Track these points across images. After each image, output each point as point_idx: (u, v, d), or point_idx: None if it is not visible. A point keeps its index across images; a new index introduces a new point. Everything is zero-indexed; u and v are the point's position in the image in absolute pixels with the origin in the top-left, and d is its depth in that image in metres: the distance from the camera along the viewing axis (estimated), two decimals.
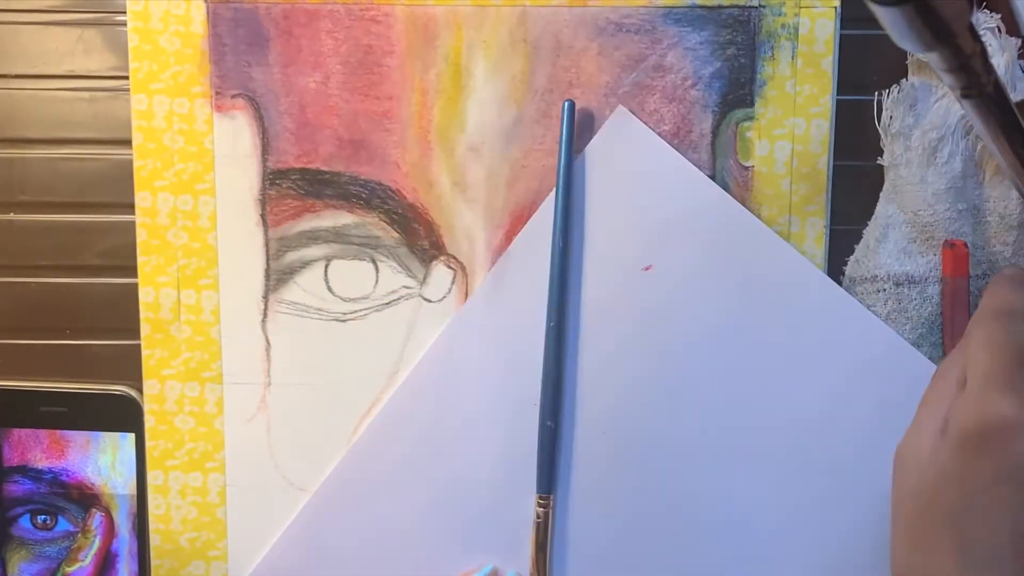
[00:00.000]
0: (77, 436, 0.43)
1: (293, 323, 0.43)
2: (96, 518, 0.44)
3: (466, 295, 0.43)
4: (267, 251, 0.43)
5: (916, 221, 0.41)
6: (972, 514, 0.31)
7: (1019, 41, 0.40)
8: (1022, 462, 0.31)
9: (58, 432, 0.43)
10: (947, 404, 0.34)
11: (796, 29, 0.41)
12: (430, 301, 0.43)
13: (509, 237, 0.43)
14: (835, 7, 0.41)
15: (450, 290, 0.43)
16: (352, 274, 0.43)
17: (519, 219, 0.43)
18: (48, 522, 0.44)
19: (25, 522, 0.44)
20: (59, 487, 0.44)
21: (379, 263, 0.43)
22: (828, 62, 0.41)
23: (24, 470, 0.44)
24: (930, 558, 0.32)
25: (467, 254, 0.43)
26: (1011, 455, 0.31)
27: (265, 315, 0.43)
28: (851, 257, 0.42)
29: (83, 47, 0.43)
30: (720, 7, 0.41)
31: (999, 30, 0.40)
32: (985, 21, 0.40)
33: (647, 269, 0.42)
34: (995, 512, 0.31)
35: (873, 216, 0.42)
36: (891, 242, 0.42)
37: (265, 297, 0.43)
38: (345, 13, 0.42)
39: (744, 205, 0.42)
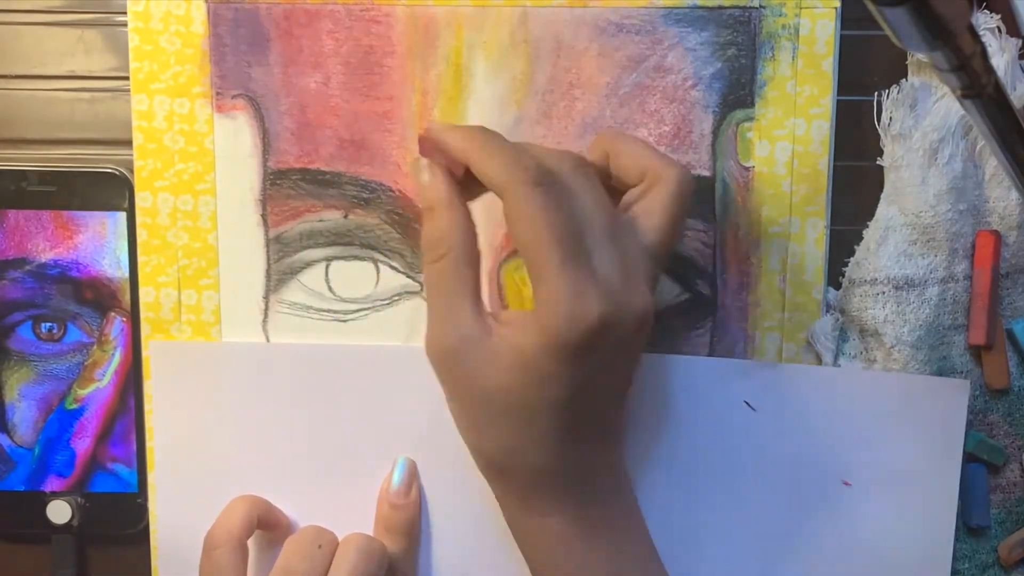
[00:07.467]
0: (89, 218, 0.33)
1: (294, 323, 0.43)
2: (116, 324, 0.35)
3: None
4: (268, 251, 0.43)
5: (917, 223, 0.41)
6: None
7: (1019, 41, 0.40)
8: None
9: (65, 214, 0.33)
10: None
11: (796, 30, 0.41)
12: None
13: (510, 237, 0.42)
14: (835, 7, 0.41)
15: None
16: (353, 274, 0.43)
17: None
18: (55, 331, 0.35)
19: (25, 332, 0.35)
20: (68, 284, 0.35)
21: (380, 263, 0.43)
22: (828, 63, 0.41)
23: (22, 264, 0.34)
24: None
25: None
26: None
27: (266, 315, 0.43)
28: (851, 259, 0.42)
29: (83, 47, 0.43)
30: (720, 8, 0.41)
31: (999, 30, 0.40)
32: (985, 21, 0.40)
33: None
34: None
35: (874, 218, 0.42)
36: (891, 245, 0.42)
37: (266, 297, 0.43)
38: (346, 13, 0.42)
39: (744, 206, 0.42)
